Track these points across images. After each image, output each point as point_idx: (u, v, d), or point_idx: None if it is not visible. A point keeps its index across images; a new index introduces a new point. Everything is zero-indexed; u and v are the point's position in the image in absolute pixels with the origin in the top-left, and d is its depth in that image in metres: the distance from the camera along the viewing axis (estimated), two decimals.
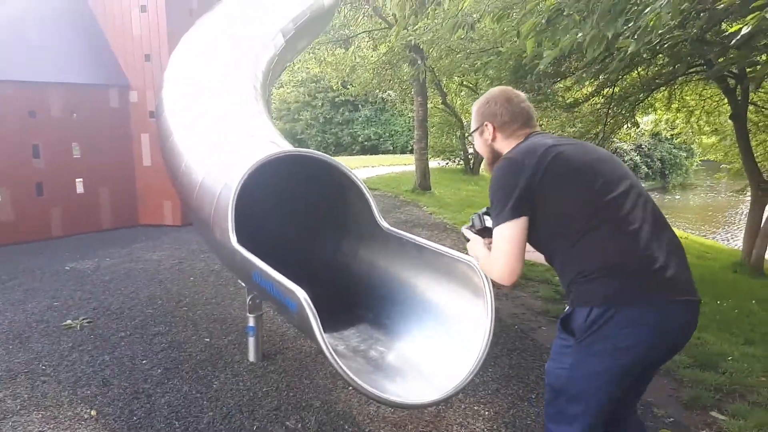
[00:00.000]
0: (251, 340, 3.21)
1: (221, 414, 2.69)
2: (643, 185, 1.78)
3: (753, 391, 3.10)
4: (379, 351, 2.69)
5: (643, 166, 22.99)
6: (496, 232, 1.63)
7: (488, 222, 1.83)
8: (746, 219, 7.97)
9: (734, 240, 13.17)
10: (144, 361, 3.21)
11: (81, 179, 6.80)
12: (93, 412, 2.66)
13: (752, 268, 7.38)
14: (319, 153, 3.13)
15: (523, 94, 1.79)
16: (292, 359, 3.30)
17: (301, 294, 2.15)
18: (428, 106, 11.29)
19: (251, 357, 3.23)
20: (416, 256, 2.82)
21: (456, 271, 2.59)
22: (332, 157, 3.16)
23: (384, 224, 3.10)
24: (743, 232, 8.29)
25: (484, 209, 1.89)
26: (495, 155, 1.77)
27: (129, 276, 4.88)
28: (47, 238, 6.39)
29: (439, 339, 2.60)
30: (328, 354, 2.03)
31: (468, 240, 1.90)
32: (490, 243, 1.79)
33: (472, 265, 2.45)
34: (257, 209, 3.50)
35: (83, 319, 3.77)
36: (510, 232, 1.60)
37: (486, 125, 1.77)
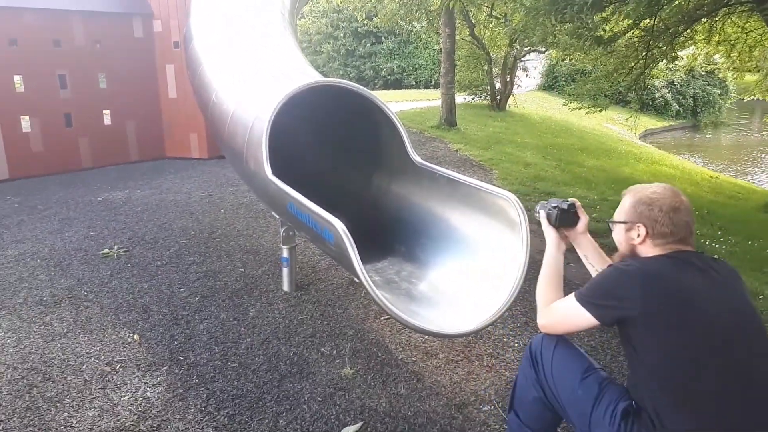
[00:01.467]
0: (285, 271, 3.26)
1: (259, 340, 2.77)
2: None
3: None
4: (412, 282, 2.72)
5: (674, 104, 22.25)
6: (573, 303, 1.55)
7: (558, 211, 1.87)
8: None
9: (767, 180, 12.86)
10: (181, 289, 3.29)
11: (108, 111, 6.81)
12: (136, 336, 2.76)
13: None
14: (352, 83, 3.06)
15: (689, 204, 1.56)
16: (325, 290, 3.36)
17: (339, 225, 2.15)
18: (455, 38, 10.92)
19: (285, 287, 3.30)
20: (449, 190, 2.79)
21: (491, 205, 2.56)
22: (365, 88, 3.10)
23: (417, 158, 3.06)
24: None
25: (553, 203, 1.89)
26: (632, 254, 1.59)
27: (161, 207, 4.95)
28: (78, 169, 6.47)
29: (473, 272, 2.61)
30: (365, 282, 2.05)
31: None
32: (566, 237, 1.92)
33: (509, 199, 2.43)
34: (288, 140, 3.47)
35: (119, 248, 3.86)
36: (579, 320, 1.54)
37: (638, 226, 1.55)
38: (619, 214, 1.62)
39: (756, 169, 14.65)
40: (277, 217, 3.26)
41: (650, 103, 21.86)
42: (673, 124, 22.46)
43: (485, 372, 2.59)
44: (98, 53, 6.57)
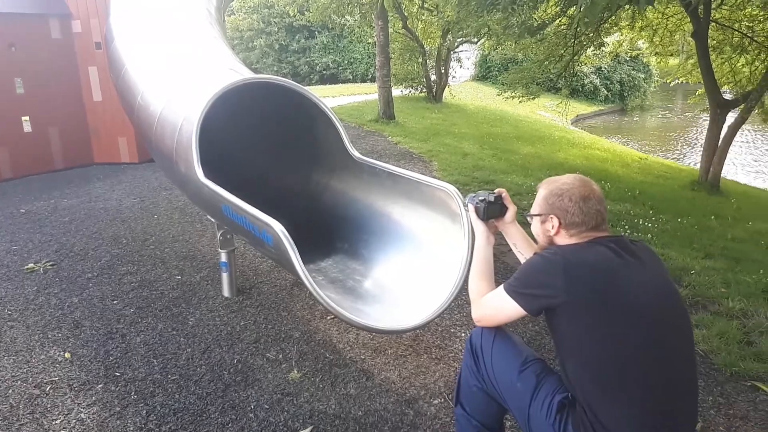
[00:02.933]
0: (225, 276, 3.16)
1: (200, 349, 2.67)
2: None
3: (714, 302, 3.24)
4: (357, 280, 2.68)
5: (603, 89, 23.09)
6: (502, 294, 1.54)
7: (487, 203, 1.86)
8: (704, 138, 8.15)
9: (690, 159, 13.55)
10: (115, 302, 3.13)
11: (27, 117, 6.41)
12: (67, 355, 2.60)
13: (709, 185, 7.62)
14: (285, 79, 2.99)
15: (599, 193, 1.57)
16: (268, 293, 3.27)
17: (278, 226, 2.09)
18: (389, 31, 10.91)
19: (226, 292, 3.19)
20: (390, 184, 2.77)
21: (432, 198, 2.56)
22: (298, 84, 3.03)
23: (356, 154, 3.02)
24: (701, 151, 8.50)
25: (480, 195, 1.88)
26: (551, 245, 1.59)
27: (90, 216, 4.71)
28: None
29: (417, 266, 2.60)
30: (308, 284, 2.00)
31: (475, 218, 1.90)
32: (495, 228, 1.92)
33: (449, 191, 2.42)
34: (221, 140, 3.36)
35: (46, 262, 3.64)
36: (509, 311, 1.54)
37: (551, 218, 1.56)
38: (535, 207, 1.63)
39: (681, 149, 15.42)
40: (213, 220, 3.15)
41: (580, 89, 22.60)
42: (602, 108, 23.32)
43: (434, 364, 2.59)
44: (13, 57, 6.17)
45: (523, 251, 1.94)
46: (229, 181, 3.28)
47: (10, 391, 2.33)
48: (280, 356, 2.62)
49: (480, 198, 1.89)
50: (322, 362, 2.58)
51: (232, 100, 2.90)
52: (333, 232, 3.00)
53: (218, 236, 3.06)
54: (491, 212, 1.89)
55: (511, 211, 1.91)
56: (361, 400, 2.30)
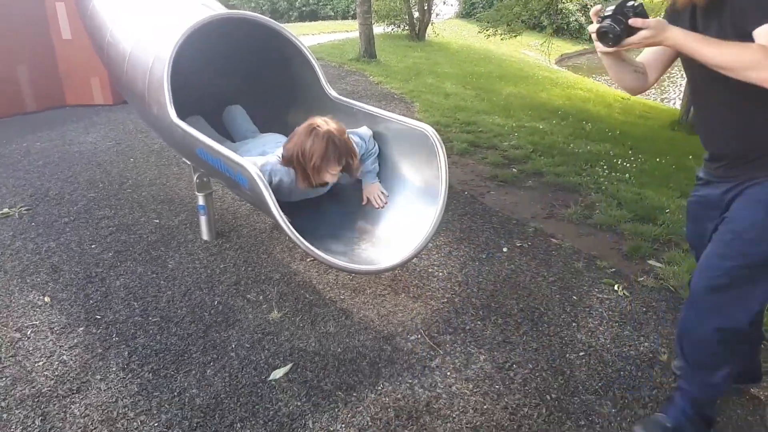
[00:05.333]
0: (203, 219, 3.15)
1: (180, 292, 2.69)
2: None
3: (686, 240, 3.31)
4: (333, 221, 2.69)
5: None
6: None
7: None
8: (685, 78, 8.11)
9: (674, 99, 13.53)
10: (93, 246, 3.12)
11: None
12: (47, 299, 2.61)
13: (689, 125, 7.65)
14: (259, 15, 2.90)
15: None
16: (248, 236, 3.28)
17: (252, 168, 2.07)
18: None
19: (204, 236, 3.19)
20: (367, 125, 2.74)
21: (409, 139, 2.54)
22: (273, 21, 2.94)
23: (332, 93, 2.97)
24: (682, 91, 8.48)
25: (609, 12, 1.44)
26: None
27: (64, 160, 4.62)
28: None
29: (394, 207, 2.61)
30: (283, 225, 2.01)
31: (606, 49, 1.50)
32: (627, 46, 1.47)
33: (426, 132, 2.41)
34: (194, 80, 3.27)
35: (21, 207, 3.59)
36: None
37: None
38: None
39: (666, 88, 15.36)
40: (189, 163, 3.11)
41: (565, 27, 22.21)
42: (587, 47, 22.98)
43: (412, 303, 2.65)
44: None
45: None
46: (203, 121, 3.23)
47: None
48: (261, 297, 2.65)
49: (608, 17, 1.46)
50: (302, 302, 2.62)
51: (206, 37, 2.81)
52: None
53: (194, 179, 3.03)
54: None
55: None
56: (340, 338, 2.36)
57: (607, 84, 13.99)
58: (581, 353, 2.32)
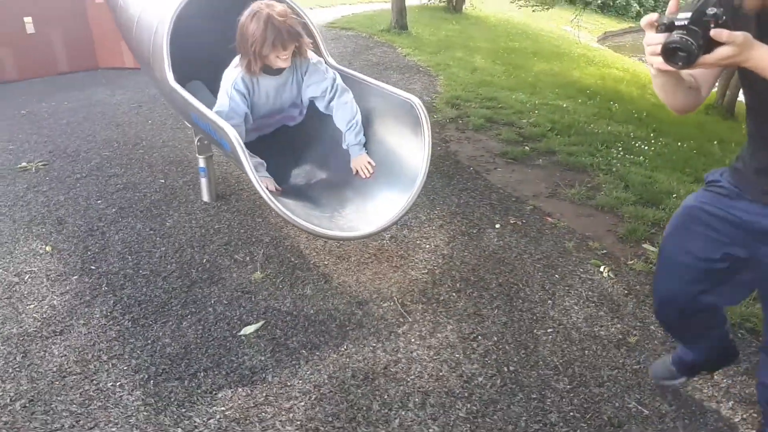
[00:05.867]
0: (203, 181, 3.26)
1: (173, 249, 2.82)
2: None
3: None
4: (320, 190, 2.76)
5: (635, 4, 21.89)
6: None
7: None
8: None
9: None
10: (99, 201, 3.28)
11: (30, 18, 6.38)
12: (48, 248, 2.77)
13: (724, 109, 7.39)
14: None
15: None
16: (246, 200, 3.38)
17: (231, 132, 2.14)
18: None
19: (205, 197, 3.31)
20: (360, 93, 2.77)
21: (398, 108, 2.57)
22: None
23: (331, 60, 3.01)
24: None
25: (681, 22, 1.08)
26: None
27: (87, 119, 4.80)
28: (2, 82, 6.15)
29: (380, 176, 2.65)
30: (259, 189, 2.08)
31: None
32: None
33: (413, 103, 2.44)
34: (203, 44, 3.35)
35: (39, 162, 3.78)
36: None
37: None
38: None
39: None
40: (189, 125, 3.21)
41: (611, 3, 21.45)
42: (633, 26, 22.16)
43: (392, 272, 2.71)
44: None
45: None
46: (207, 86, 3.31)
47: None
48: (248, 258, 2.75)
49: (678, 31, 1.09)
50: (286, 265, 2.71)
51: (213, 4, 2.88)
52: (305, 141, 3.04)
53: (196, 142, 3.13)
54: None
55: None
56: (314, 300, 2.45)
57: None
58: (549, 330, 2.35)
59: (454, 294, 2.56)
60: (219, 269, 2.66)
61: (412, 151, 2.49)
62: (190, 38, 2.92)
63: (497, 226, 3.24)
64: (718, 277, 1.53)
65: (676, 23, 1.08)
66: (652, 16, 1.13)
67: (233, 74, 2.46)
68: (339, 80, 2.61)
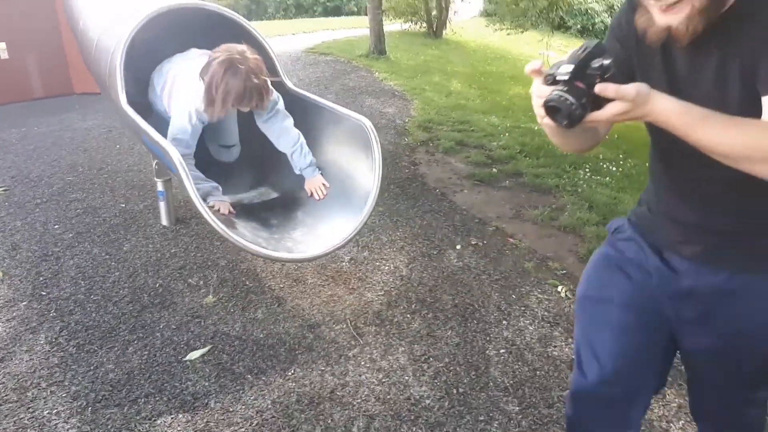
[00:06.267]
0: (162, 205, 3.24)
1: (127, 273, 2.78)
2: None
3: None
4: (274, 211, 2.75)
5: None
6: None
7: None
8: None
9: None
10: (56, 227, 3.24)
11: (4, 44, 6.38)
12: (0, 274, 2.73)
13: None
14: (221, 7, 2.97)
15: None
16: (206, 223, 3.35)
17: (175, 155, 2.14)
18: None
19: (164, 221, 3.29)
20: (317, 116, 2.79)
21: (352, 131, 2.59)
22: (231, 11, 3.01)
23: (288, 83, 3.03)
24: None
25: (588, 46, 0.91)
26: None
27: (55, 144, 4.78)
28: None
29: (333, 198, 2.65)
30: (202, 210, 2.07)
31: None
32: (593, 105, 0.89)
33: (364, 125, 2.45)
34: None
35: (0, 188, 3.75)
36: None
37: None
38: None
39: None
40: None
41: (590, 28, 21.88)
42: None
43: (348, 294, 2.69)
44: None
45: None
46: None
47: None
48: (201, 282, 2.73)
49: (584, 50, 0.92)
50: (240, 289, 2.69)
51: (172, 26, 2.90)
52: (259, 162, 3.04)
53: (153, 165, 3.12)
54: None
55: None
56: (265, 324, 2.42)
57: None
58: (502, 350, 2.34)
59: (408, 315, 2.55)
60: (171, 293, 2.63)
61: (365, 173, 2.50)
62: (154, 63, 2.93)
63: (458, 247, 3.25)
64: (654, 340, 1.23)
65: (558, 77, 0.91)
66: (535, 65, 0.95)
67: (195, 101, 2.38)
68: (281, 104, 2.61)
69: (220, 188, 2.57)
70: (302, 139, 2.61)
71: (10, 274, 2.74)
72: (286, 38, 13.27)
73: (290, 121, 2.61)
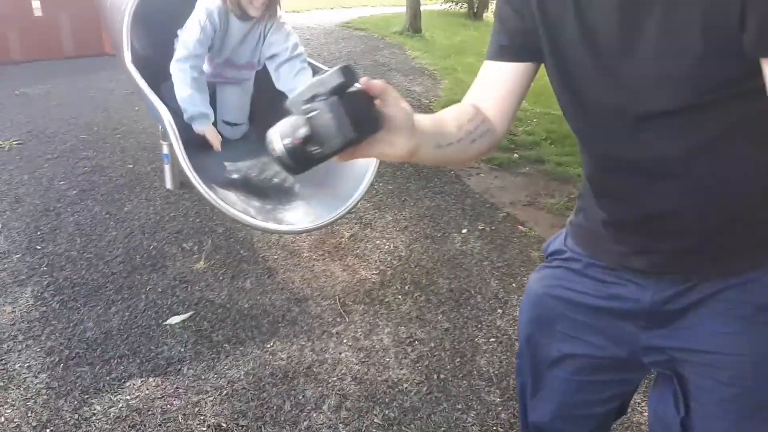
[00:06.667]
0: (167, 168, 3.22)
1: (123, 234, 2.77)
2: None
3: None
4: (272, 182, 2.69)
5: None
6: None
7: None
8: None
9: None
10: (62, 183, 3.25)
11: (38, 1, 6.45)
12: None
13: None
14: None
15: None
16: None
17: (166, 116, 2.09)
18: None
19: (168, 184, 3.26)
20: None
21: None
22: None
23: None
24: None
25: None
26: None
27: (76, 103, 4.81)
28: (5, 62, 6.21)
29: (331, 170, 2.57)
30: (189, 174, 2.02)
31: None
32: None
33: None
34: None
35: (13, 141, 3.78)
36: None
37: None
38: None
39: None
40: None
41: None
42: None
43: (341, 270, 2.63)
44: None
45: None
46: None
47: None
48: (195, 248, 2.70)
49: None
50: (233, 257, 2.65)
51: None
52: (261, 132, 2.98)
53: (160, 127, 3.09)
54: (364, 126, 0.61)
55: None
56: (252, 295, 2.37)
57: None
58: (492, 339, 2.25)
59: (400, 297, 2.47)
60: (164, 257, 2.60)
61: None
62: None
63: (464, 231, 3.14)
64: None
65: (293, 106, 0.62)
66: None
67: (209, 4, 2.36)
68: (302, 50, 2.52)
69: (212, 115, 2.46)
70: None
71: (9, 226, 2.76)
72: (324, 12, 13.14)
73: (309, 72, 2.49)
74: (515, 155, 4.58)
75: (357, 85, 0.61)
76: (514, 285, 2.65)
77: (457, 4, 14.91)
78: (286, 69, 2.47)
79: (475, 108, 0.88)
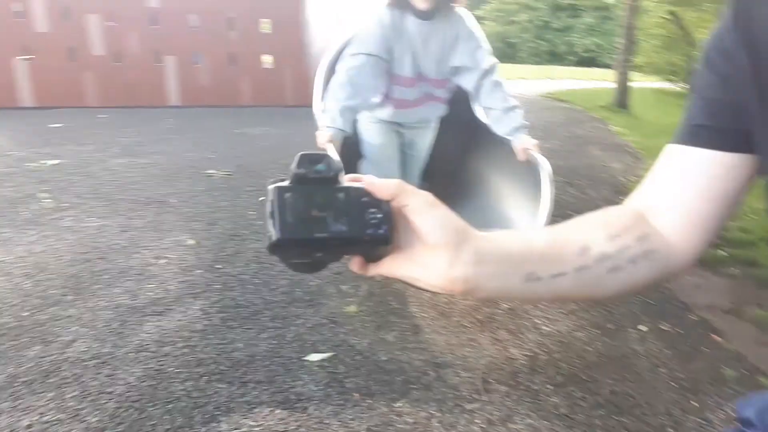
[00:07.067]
0: None
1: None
2: None
3: None
4: None
5: None
6: None
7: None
8: None
9: None
10: (252, 213, 3.58)
11: (271, 56, 7.44)
12: (192, 242, 3.08)
13: None
14: None
15: None
16: None
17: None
18: (646, 11, 9.85)
19: None
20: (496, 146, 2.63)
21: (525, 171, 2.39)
22: None
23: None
24: None
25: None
26: None
27: (283, 145, 5.35)
28: (236, 105, 7.21)
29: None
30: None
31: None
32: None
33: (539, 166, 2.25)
34: None
35: (223, 171, 4.28)
36: None
37: None
38: None
39: None
40: None
41: None
42: None
43: (490, 344, 2.45)
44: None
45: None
46: None
47: (135, 255, 2.87)
48: (351, 290, 2.74)
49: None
50: (384, 307, 2.63)
51: None
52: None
53: None
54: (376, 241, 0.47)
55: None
56: (392, 348, 2.31)
57: None
58: None
59: (550, 387, 2.21)
60: (322, 294, 2.68)
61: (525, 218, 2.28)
62: None
63: (642, 327, 2.76)
64: None
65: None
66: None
67: (376, 10, 2.16)
68: (496, 71, 2.24)
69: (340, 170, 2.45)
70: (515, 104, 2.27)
71: (202, 244, 3.08)
72: (529, 81, 13.21)
73: (503, 87, 2.27)
74: (723, 252, 3.98)
75: (355, 183, 0.48)
76: (694, 404, 2.22)
77: (672, 82, 13.95)
78: (484, 91, 2.24)
79: (637, 215, 0.60)
